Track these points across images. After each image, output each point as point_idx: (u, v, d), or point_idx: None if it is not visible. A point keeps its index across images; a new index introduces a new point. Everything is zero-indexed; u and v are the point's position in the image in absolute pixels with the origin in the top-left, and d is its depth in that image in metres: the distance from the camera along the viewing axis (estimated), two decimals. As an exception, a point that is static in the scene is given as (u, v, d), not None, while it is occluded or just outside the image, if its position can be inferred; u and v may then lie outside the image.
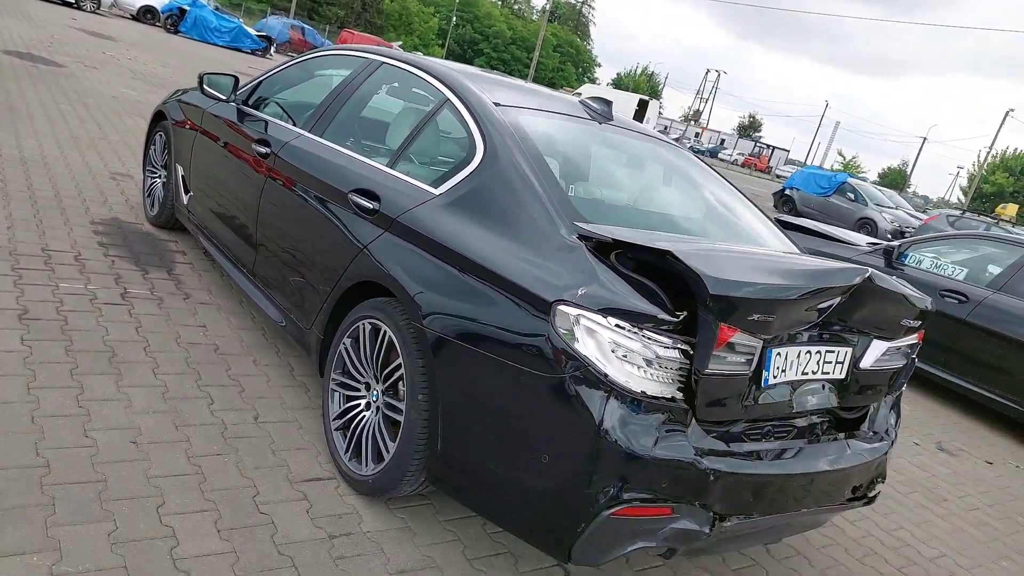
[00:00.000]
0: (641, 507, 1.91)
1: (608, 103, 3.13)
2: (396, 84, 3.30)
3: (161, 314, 3.39)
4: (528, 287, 2.04)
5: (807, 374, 2.25)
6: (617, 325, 1.89)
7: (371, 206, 2.60)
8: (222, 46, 23.46)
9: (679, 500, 1.96)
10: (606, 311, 1.91)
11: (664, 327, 1.90)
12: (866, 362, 2.42)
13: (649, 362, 1.89)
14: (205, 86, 3.70)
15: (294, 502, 2.33)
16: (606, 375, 1.87)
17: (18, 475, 2.09)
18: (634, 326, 1.89)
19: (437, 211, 2.43)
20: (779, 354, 2.12)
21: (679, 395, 1.94)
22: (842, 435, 2.43)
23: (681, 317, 1.91)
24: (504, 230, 2.25)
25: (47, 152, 5.64)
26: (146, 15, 23.85)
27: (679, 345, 1.91)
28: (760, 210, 3.20)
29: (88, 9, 21.66)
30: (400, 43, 44.68)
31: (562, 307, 1.94)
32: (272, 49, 26.38)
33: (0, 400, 2.40)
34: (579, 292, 1.96)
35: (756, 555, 2.78)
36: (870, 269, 2.13)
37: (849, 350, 2.37)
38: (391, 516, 2.41)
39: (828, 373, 2.33)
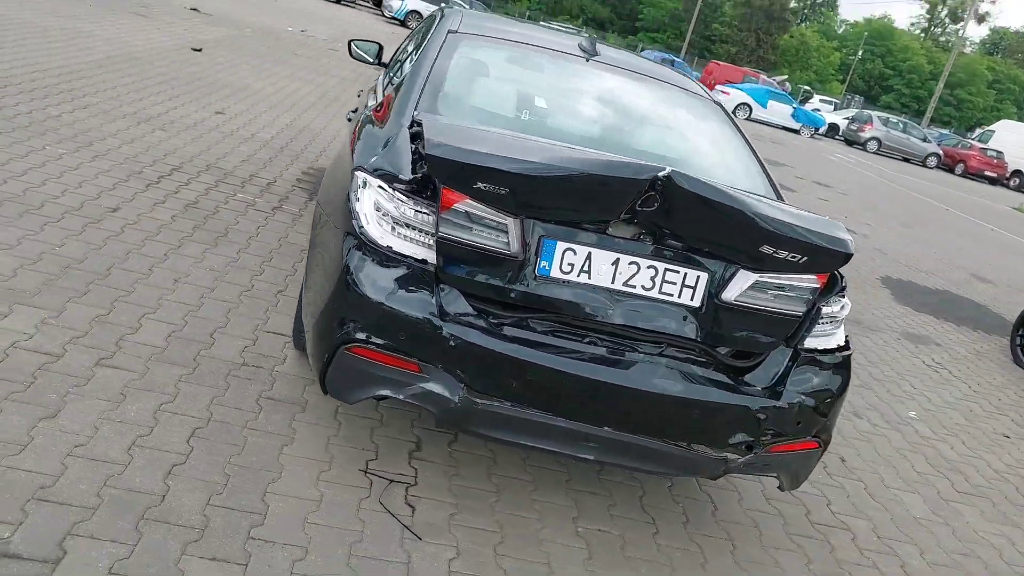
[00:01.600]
0: (379, 352, 2.17)
1: (593, 41, 3.25)
2: None
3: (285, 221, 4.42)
4: (353, 156, 2.45)
5: (632, 287, 2.21)
6: (380, 187, 2.19)
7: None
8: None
9: (426, 360, 2.16)
10: (380, 174, 2.23)
11: (415, 191, 2.15)
12: (728, 294, 2.25)
13: (398, 221, 2.16)
14: (352, 51, 4.66)
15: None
16: (362, 227, 2.19)
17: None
18: (392, 188, 2.17)
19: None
20: (571, 250, 2.16)
21: (431, 258, 2.15)
22: (689, 364, 2.26)
23: (411, 177, 2.14)
24: (384, 116, 2.66)
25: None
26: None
27: (423, 209, 2.14)
28: (754, 159, 2.99)
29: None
30: (784, 77, 43.44)
31: (356, 172, 2.30)
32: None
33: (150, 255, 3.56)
34: (371, 160, 2.31)
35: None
36: (670, 168, 2.03)
37: (703, 275, 2.23)
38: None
39: (671, 295, 2.24)
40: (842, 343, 2.49)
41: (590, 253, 2.17)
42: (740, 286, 2.24)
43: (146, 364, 2.71)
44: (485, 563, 2.28)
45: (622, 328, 2.23)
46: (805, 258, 2.18)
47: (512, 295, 2.16)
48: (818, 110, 34.20)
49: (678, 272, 2.22)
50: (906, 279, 8.10)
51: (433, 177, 2.07)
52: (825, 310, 2.38)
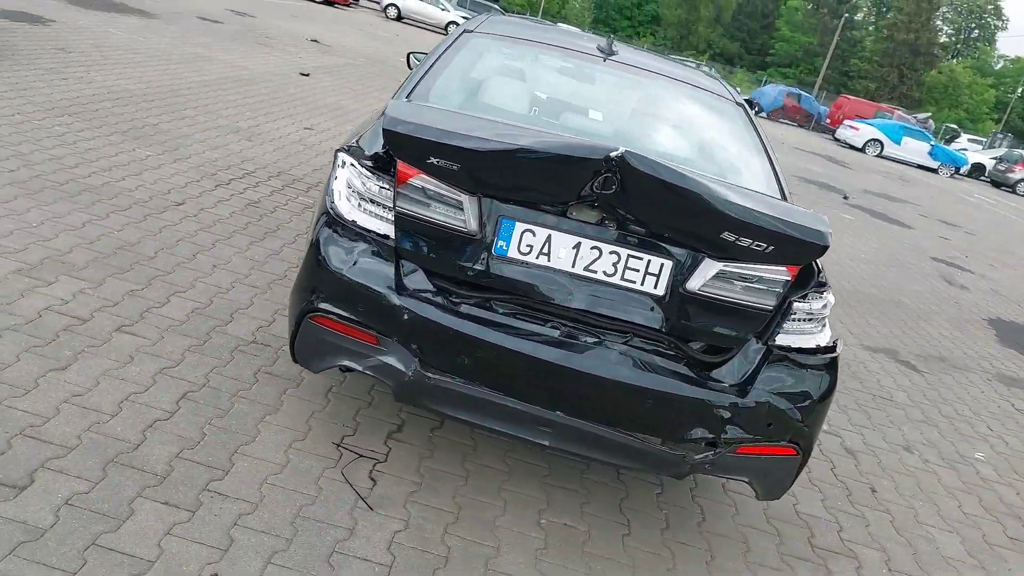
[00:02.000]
0: (340, 323, 2.27)
1: (611, 41, 3.26)
2: None
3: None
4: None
5: (593, 272, 2.21)
6: (352, 164, 2.32)
7: None
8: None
9: (383, 332, 2.25)
10: (353, 153, 2.36)
11: (380, 167, 2.26)
12: (693, 283, 2.20)
13: (363, 197, 2.27)
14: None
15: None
16: (333, 203, 2.33)
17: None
18: (360, 165, 2.29)
19: None
20: (530, 231, 2.19)
21: (392, 233, 2.25)
22: (650, 354, 2.22)
23: (377, 154, 2.25)
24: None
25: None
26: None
27: (385, 185, 2.24)
28: (767, 157, 2.89)
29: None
30: (928, 115, 40.96)
31: (337, 152, 2.45)
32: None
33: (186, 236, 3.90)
34: (350, 142, 2.44)
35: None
36: (624, 148, 2.02)
37: (667, 263, 2.20)
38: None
39: (633, 282, 2.22)
40: (825, 343, 2.36)
41: (550, 236, 2.19)
42: (704, 275, 2.19)
43: (161, 334, 2.96)
44: (430, 539, 2.31)
45: (582, 314, 2.23)
46: (772, 247, 2.10)
47: (469, 273, 2.22)
48: (964, 150, 31.98)
49: (641, 259, 2.20)
50: (1020, 322, 7.43)
51: (390, 151, 2.18)
52: (800, 306, 2.28)
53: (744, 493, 2.98)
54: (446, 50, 3.00)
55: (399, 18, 29.32)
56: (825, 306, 2.34)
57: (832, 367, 2.37)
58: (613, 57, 3.22)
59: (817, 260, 2.32)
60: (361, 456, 2.59)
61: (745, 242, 2.09)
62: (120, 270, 3.34)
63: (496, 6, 30.55)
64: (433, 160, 2.09)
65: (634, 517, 2.70)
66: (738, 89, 3.79)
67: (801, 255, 2.17)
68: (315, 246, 2.30)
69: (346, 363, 2.33)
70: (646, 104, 3.27)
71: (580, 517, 2.61)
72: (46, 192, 3.90)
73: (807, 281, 2.29)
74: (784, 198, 2.67)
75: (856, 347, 5.26)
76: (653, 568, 2.47)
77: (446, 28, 28.82)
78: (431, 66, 2.87)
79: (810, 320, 2.32)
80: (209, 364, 2.85)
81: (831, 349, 2.37)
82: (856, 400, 4.33)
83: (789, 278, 2.20)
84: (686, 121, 3.20)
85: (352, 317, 2.26)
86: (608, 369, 2.17)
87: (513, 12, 27.60)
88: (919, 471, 3.67)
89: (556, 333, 2.21)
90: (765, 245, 2.09)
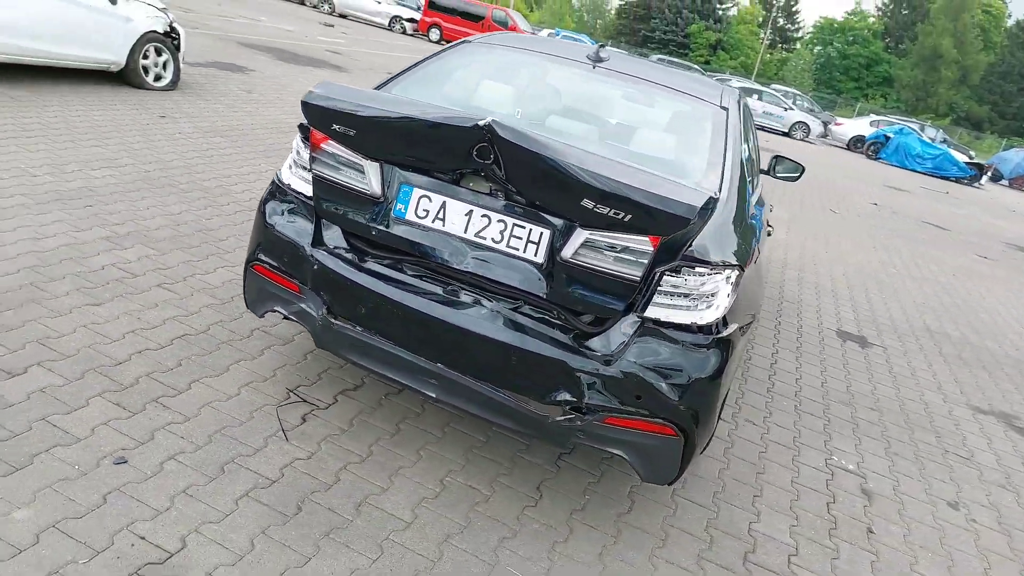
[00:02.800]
0: (273, 272, 2.66)
1: (600, 49, 3.37)
2: None
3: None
4: None
5: (483, 238, 2.42)
6: (298, 137, 2.73)
7: None
8: (923, 172, 23.53)
9: (301, 281, 2.60)
10: (302, 127, 2.76)
11: (306, 138, 2.63)
12: (567, 252, 2.33)
13: (297, 163, 2.67)
14: None
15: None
16: (279, 170, 2.75)
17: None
18: (301, 137, 2.69)
19: None
20: (426, 197, 2.46)
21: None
22: (528, 317, 2.37)
23: (299, 124, 2.63)
24: None
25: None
26: (856, 144, 25.91)
27: (308, 152, 2.60)
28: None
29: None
30: None
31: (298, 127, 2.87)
32: (983, 179, 24.85)
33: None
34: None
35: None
36: (492, 118, 2.22)
37: (546, 231, 2.36)
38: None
39: (516, 250, 2.40)
40: (705, 323, 2.34)
41: (445, 202, 2.43)
42: (575, 244, 2.30)
43: (192, 292, 3.54)
44: (325, 470, 2.58)
45: (473, 277, 2.43)
46: (630, 217, 2.17)
47: (373, 232, 2.51)
48: None
49: (524, 228, 2.37)
50: None
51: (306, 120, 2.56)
52: (671, 279, 2.29)
53: (685, 496, 2.90)
54: (439, 54, 3.36)
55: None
56: (703, 283, 2.32)
57: (717, 349, 2.33)
58: (602, 64, 3.37)
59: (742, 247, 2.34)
60: (304, 401, 2.93)
61: (604, 210, 2.17)
62: (188, 245, 4.03)
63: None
64: (336, 127, 2.43)
65: (550, 495, 2.76)
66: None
67: (662, 226, 2.19)
68: (260, 206, 2.73)
69: (277, 308, 2.70)
70: (608, 102, 3.39)
71: (489, 483, 2.73)
72: (165, 188, 4.78)
73: (672, 253, 2.30)
74: (720, 190, 2.66)
75: (961, 405, 4.72)
76: (537, 536, 2.53)
77: (390, 24, 28.65)
78: (416, 65, 3.24)
79: (685, 296, 2.31)
80: (217, 318, 3.37)
81: (711, 329, 2.34)
82: (918, 451, 3.93)
83: (652, 249, 2.24)
84: (644, 119, 3.25)
85: (280, 267, 2.64)
86: (478, 325, 2.34)
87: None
88: (953, 527, 3.27)
89: (440, 291, 2.43)
90: (623, 214, 2.16)
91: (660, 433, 2.35)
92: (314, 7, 28.21)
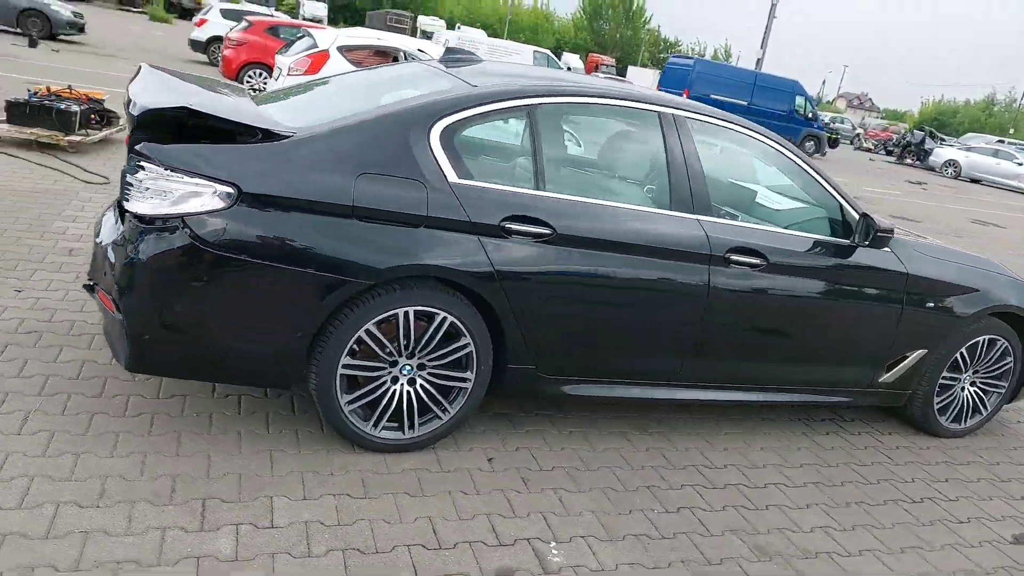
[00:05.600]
0: None
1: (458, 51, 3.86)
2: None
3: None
4: None
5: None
6: None
7: None
8: None
9: None
10: None
11: None
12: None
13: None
14: None
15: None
16: None
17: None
18: None
19: None
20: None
21: None
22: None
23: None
24: None
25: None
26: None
27: None
28: None
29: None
30: None
31: None
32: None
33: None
34: None
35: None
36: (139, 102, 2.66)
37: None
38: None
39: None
40: (135, 212, 2.61)
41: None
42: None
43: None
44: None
45: None
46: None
47: None
48: None
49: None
50: None
51: None
52: (130, 176, 2.60)
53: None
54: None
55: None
56: (143, 181, 2.58)
57: (143, 238, 2.61)
58: (454, 67, 3.60)
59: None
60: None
61: None
62: None
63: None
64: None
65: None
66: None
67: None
68: None
69: None
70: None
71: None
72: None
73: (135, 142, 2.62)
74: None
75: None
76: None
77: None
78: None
79: (129, 186, 2.61)
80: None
81: (137, 218, 2.62)
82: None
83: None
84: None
85: None
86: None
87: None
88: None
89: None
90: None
91: (106, 306, 2.85)
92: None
